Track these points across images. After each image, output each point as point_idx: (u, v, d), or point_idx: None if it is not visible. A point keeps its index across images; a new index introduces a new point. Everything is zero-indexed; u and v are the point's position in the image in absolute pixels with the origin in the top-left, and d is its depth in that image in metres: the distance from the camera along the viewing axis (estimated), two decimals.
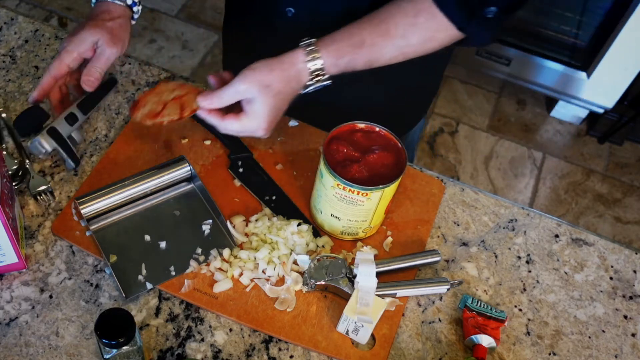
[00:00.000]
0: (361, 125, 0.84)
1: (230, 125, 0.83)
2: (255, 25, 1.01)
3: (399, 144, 0.83)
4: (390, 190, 0.81)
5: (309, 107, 0.91)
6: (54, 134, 0.87)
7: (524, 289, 0.87)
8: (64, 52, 0.86)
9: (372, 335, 0.79)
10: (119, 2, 0.89)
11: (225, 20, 1.11)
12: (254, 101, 0.80)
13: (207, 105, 0.82)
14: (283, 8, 0.92)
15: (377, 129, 0.84)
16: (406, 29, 0.82)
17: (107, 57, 0.87)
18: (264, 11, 0.97)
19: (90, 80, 0.87)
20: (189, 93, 0.85)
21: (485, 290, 0.86)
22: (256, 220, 0.87)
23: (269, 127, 0.83)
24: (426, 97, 1.14)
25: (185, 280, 0.81)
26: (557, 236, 0.93)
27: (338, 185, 0.79)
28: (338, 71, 0.82)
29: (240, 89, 0.80)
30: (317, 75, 0.81)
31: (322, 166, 0.80)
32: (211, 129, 0.96)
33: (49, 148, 0.87)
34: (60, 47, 0.87)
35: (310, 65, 0.81)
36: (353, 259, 0.84)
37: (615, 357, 0.82)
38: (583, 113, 2.32)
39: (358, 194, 0.78)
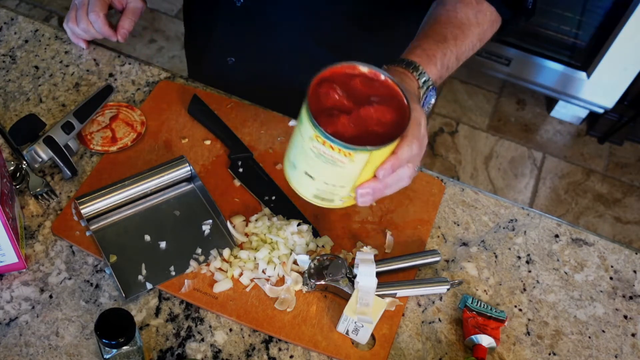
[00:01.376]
0: (363, 68, 0.68)
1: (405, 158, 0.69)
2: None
3: (405, 100, 0.67)
4: (379, 154, 0.65)
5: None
6: (50, 143, 0.88)
7: (524, 289, 0.87)
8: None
9: (372, 335, 0.79)
10: None
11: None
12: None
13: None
14: None
15: (383, 76, 0.68)
16: (477, 15, 0.85)
17: (134, 10, 1.05)
18: None
19: (124, 32, 1.03)
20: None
21: (485, 290, 0.86)
22: (256, 220, 0.87)
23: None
24: None
25: (185, 280, 0.81)
26: (557, 236, 0.93)
27: (317, 137, 0.63)
28: (438, 75, 0.80)
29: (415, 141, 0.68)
30: (426, 85, 0.78)
31: (303, 110, 0.65)
32: (211, 129, 0.96)
33: (45, 157, 0.87)
34: None
35: (419, 78, 0.78)
36: (353, 259, 0.84)
37: (615, 357, 0.82)
38: (583, 113, 2.32)
39: (339, 151, 0.63)
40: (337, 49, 0.99)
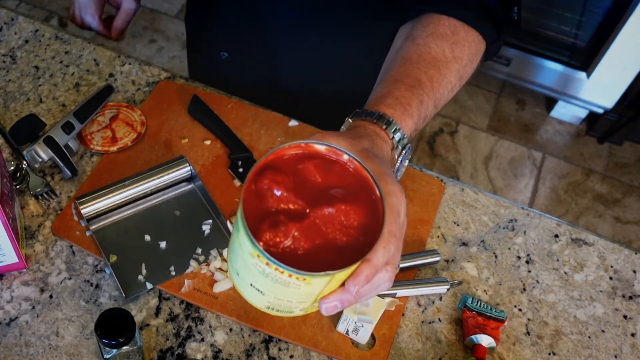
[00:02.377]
0: (319, 147, 0.52)
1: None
2: None
3: (377, 190, 0.51)
4: (346, 272, 0.49)
5: (309, 105, 0.91)
6: (51, 143, 0.88)
7: (524, 289, 0.87)
8: None
9: (372, 335, 0.79)
10: None
11: None
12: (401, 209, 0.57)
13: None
14: None
15: (345, 157, 0.52)
16: (453, 49, 0.72)
17: (127, 11, 1.05)
18: None
19: (116, 32, 1.05)
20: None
21: (485, 290, 0.86)
22: None
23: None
24: None
25: (185, 280, 0.81)
26: (556, 236, 0.93)
27: (258, 257, 0.48)
28: (414, 129, 0.67)
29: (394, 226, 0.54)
30: (401, 144, 0.65)
31: (238, 214, 0.49)
32: (211, 129, 0.97)
33: (45, 157, 0.87)
34: None
35: (394, 136, 0.64)
36: None
37: (615, 357, 0.82)
38: (583, 113, 2.32)
39: (290, 276, 0.48)
40: (337, 41, 0.98)
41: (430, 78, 0.69)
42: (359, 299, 0.54)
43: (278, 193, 0.49)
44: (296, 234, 0.48)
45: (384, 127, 0.63)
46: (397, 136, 0.64)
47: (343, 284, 0.52)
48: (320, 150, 0.52)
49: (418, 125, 0.68)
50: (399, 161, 0.65)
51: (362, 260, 0.49)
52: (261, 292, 0.52)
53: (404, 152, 0.65)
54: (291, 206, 0.49)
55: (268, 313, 0.57)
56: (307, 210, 0.49)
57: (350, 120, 0.66)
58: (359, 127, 0.64)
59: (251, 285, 0.52)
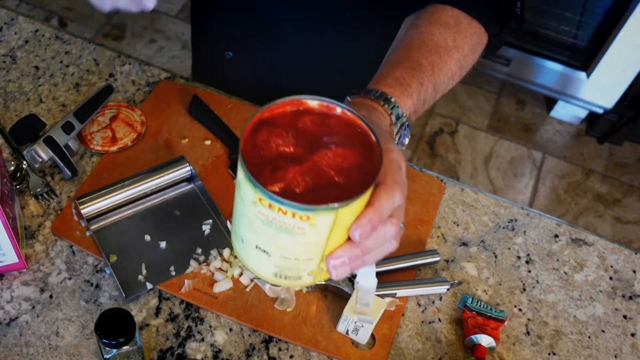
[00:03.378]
0: (312, 103, 0.53)
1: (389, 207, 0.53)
2: None
3: (373, 136, 0.52)
4: (349, 212, 0.50)
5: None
6: (51, 143, 0.88)
7: (524, 289, 0.87)
8: None
9: (372, 335, 0.79)
10: None
11: None
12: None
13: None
14: None
15: (339, 109, 0.53)
16: (455, 38, 0.73)
17: None
18: None
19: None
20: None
21: (485, 290, 0.86)
22: None
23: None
24: None
25: (185, 280, 0.81)
26: (556, 236, 0.93)
27: (261, 200, 0.48)
28: (414, 109, 0.68)
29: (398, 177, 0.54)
30: (400, 121, 0.65)
31: (239, 167, 0.50)
32: (211, 129, 0.97)
33: (45, 157, 0.87)
34: None
35: (392, 112, 0.65)
36: None
37: (615, 357, 0.82)
38: (583, 113, 2.32)
39: (293, 216, 0.47)
40: (339, 41, 0.98)
41: (431, 63, 0.70)
42: (366, 253, 0.53)
43: (276, 142, 0.50)
44: (296, 177, 0.49)
45: (383, 103, 0.64)
46: (396, 113, 0.64)
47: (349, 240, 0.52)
48: (314, 105, 0.53)
49: (417, 107, 0.68)
50: (397, 138, 0.65)
51: (366, 206, 0.50)
52: (267, 252, 0.52)
53: (402, 129, 0.65)
54: (290, 152, 0.50)
55: (276, 284, 0.56)
56: (306, 155, 0.50)
57: (349, 98, 0.67)
58: (357, 104, 0.65)
59: (257, 247, 0.52)
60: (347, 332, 0.78)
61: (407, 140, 0.67)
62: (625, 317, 0.86)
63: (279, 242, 0.51)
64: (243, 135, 0.50)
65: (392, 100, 0.64)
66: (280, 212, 0.47)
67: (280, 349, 0.78)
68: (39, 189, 0.88)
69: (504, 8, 0.78)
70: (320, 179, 0.49)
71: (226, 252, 0.84)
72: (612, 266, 0.91)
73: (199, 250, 0.84)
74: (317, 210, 0.47)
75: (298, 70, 1.07)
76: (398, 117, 0.64)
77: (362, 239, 0.51)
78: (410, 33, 0.74)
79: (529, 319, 0.84)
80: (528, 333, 0.83)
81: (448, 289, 0.84)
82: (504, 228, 0.93)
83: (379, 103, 0.64)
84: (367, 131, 0.52)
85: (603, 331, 0.84)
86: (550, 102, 2.38)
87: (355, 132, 0.52)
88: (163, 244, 0.84)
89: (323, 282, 0.77)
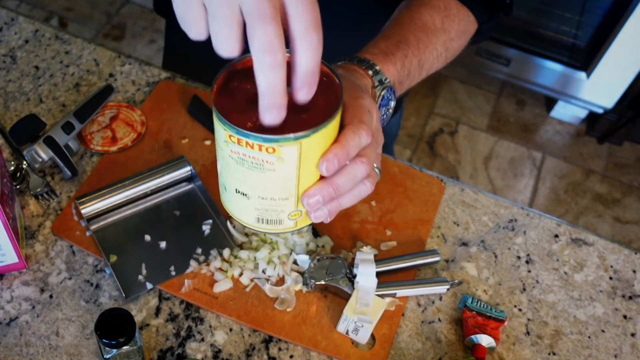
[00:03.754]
0: None
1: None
2: None
3: (336, 78, 0.55)
4: (314, 144, 0.53)
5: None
6: (51, 143, 0.88)
7: (524, 289, 0.87)
8: None
9: (372, 335, 0.79)
10: None
11: None
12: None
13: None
14: None
15: None
16: (443, 21, 0.76)
17: None
18: None
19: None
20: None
21: (485, 290, 0.86)
22: None
23: None
24: None
25: (185, 280, 0.81)
26: (556, 236, 0.93)
27: (230, 137, 0.52)
28: (397, 77, 0.69)
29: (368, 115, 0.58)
30: (382, 85, 0.67)
31: (213, 114, 0.54)
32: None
33: (45, 157, 0.87)
34: None
35: (374, 76, 0.67)
36: (353, 259, 0.84)
37: (615, 357, 0.82)
38: (582, 113, 2.32)
39: (260, 149, 0.51)
40: (338, 40, 0.98)
41: (417, 39, 0.73)
42: (340, 192, 0.56)
43: (245, 87, 0.53)
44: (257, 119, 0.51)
45: (365, 68, 0.66)
46: (378, 78, 0.66)
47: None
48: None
49: (402, 77, 0.70)
50: (379, 100, 0.66)
51: (331, 138, 0.54)
52: (246, 195, 0.56)
53: (384, 92, 0.66)
54: (257, 94, 0.51)
55: (260, 230, 0.60)
56: None
57: (333, 65, 0.69)
58: (339, 67, 0.67)
59: (236, 191, 0.56)
60: (347, 332, 0.78)
61: (392, 103, 0.68)
62: (625, 317, 0.86)
63: (253, 181, 0.54)
64: (216, 83, 0.54)
65: (373, 63, 0.67)
66: (248, 146, 0.51)
67: (280, 349, 0.78)
68: (39, 189, 0.88)
69: None
70: (286, 116, 0.51)
71: (226, 252, 0.84)
72: (612, 266, 0.91)
73: (199, 250, 0.84)
74: (280, 140, 0.50)
75: None
76: (381, 82, 0.66)
77: (329, 172, 0.54)
78: (401, 13, 0.78)
79: (529, 319, 0.84)
80: (528, 333, 0.83)
81: (448, 289, 0.84)
82: (504, 228, 0.93)
83: (360, 67, 0.66)
84: (332, 75, 0.55)
85: (603, 331, 0.84)
86: (550, 102, 2.39)
87: (321, 77, 0.54)
88: (163, 244, 0.84)
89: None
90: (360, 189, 0.58)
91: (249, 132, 0.50)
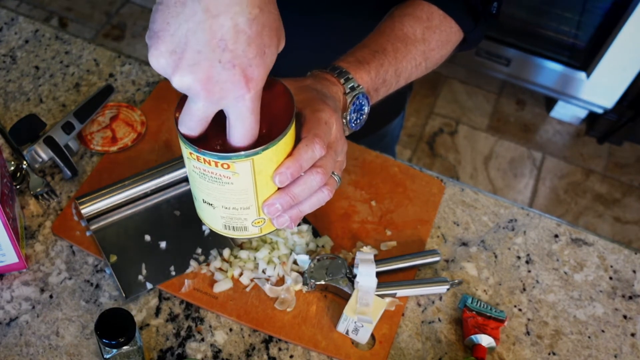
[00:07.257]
0: None
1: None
2: None
3: (289, 96, 0.59)
4: (267, 159, 0.56)
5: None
6: (51, 143, 0.88)
7: (524, 289, 0.87)
8: None
9: (372, 335, 0.79)
10: None
11: None
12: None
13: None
14: None
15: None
16: (424, 32, 0.77)
17: None
18: None
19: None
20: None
21: (485, 290, 0.86)
22: None
23: None
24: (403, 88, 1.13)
25: (185, 280, 0.81)
26: (556, 236, 0.93)
27: (191, 154, 0.56)
28: (371, 85, 0.72)
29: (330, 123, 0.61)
30: (354, 92, 0.69)
31: (178, 133, 0.58)
32: None
33: (45, 157, 0.88)
34: None
35: (345, 83, 0.69)
36: (353, 258, 0.84)
37: (615, 357, 0.82)
38: (582, 113, 2.32)
39: (217, 165, 0.55)
40: (336, 42, 0.98)
41: (395, 49, 0.74)
42: (298, 200, 0.60)
43: None
44: (219, 133, 0.55)
45: (336, 75, 0.68)
46: (350, 85, 0.68)
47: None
48: None
49: (377, 84, 0.72)
50: (351, 106, 0.68)
51: (285, 152, 0.57)
52: (211, 205, 0.61)
53: (356, 98, 0.68)
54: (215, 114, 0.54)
55: (229, 236, 0.64)
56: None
57: (308, 74, 0.71)
58: (311, 75, 0.69)
59: (204, 201, 0.61)
60: (347, 332, 0.78)
61: (366, 109, 0.71)
62: (625, 317, 0.86)
63: (215, 193, 0.59)
64: (178, 103, 0.58)
65: (345, 71, 0.69)
66: (206, 162, 0.55)
67: (280, 349, 0.78)
68: (39, 189, 0.88)
69: (479, 8, 0.82)
70: None
71: (226, 252, 0.84)
72: (612, 266, 0.91)
73: (199, 250, 0.84)
74: (232, 157, 0.54)
75: (297, 70, 1.07)
76: (353, 89, 0.68)
77: (282, 184, 0.58)
78: (384, 23, 0.79)
79: (528, 319, 0.84)
80: (528, 333, 0.83)
81: (448, 289, 0.84)
82: (503, 228, 0.93)
83: (332, 75, 0.69)
84: (286, 94, 0.58)
85: (603, 331, 0.84)
86: (550, 102, 2.39)
87: (276, 93, 0.58)
88: (163, 244, 0.84)
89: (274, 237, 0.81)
90: (318, 196, 0.61)
91: (204, 151, 0.55)
